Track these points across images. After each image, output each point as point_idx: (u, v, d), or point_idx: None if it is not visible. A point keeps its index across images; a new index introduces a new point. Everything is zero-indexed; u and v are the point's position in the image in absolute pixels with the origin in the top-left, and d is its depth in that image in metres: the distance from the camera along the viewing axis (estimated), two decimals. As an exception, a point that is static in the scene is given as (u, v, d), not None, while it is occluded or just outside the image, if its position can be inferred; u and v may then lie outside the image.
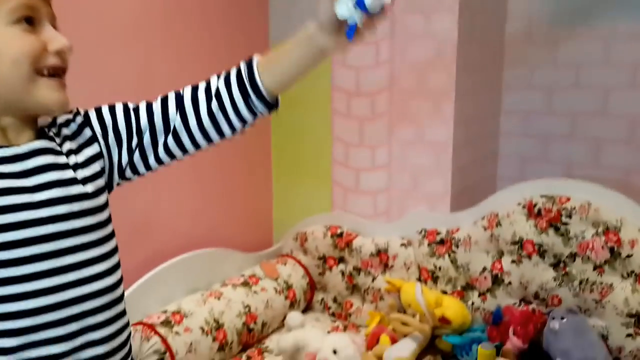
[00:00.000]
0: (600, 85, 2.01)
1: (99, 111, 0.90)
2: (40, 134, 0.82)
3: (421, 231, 1.89)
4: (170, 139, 0.91)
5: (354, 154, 2.05)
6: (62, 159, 0.82)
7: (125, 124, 0.90)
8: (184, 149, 0.92)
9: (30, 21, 0.76)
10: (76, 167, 0.83)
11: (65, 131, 0.86)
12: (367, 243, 1.97)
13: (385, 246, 1.93)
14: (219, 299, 1.73)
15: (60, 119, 0.86)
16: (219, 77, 0.90)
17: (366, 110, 1.99)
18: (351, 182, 2.07)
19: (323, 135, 2.11)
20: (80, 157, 0.85)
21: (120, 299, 0.86)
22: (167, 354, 1.50)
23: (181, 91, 0.91)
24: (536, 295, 1.69)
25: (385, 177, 2.01)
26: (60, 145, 0.83)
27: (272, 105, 0.90)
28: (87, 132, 0.88)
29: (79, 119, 0.88)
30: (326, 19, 0.82)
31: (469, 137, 2.00)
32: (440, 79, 1.87)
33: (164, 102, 0.91)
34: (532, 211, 1.68)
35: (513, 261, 1.72)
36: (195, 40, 1.85)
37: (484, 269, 1.76)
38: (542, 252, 1.67)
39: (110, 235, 0.86)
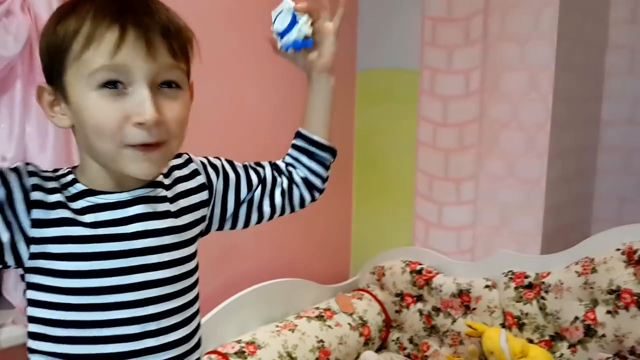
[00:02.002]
0: None
1: (210, 161, 0.99)
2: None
3: (508, 273, 1.91)
4: (277, 196, 1.03)
5: (438, 187, 2.11)
6: (163, 206, 0.87)
7: (236, 177, 0.99)
8: (282, 209, 1.05)
9: (115, 85, 0.73)
10: (179, 212, 0.89)
11: (178, 173, 0.93)
12: (448, 282, 2.01)
13: (467, 287, 1.97)
14: (293, 331, 1.83)
15: (173, 161, 0.93)
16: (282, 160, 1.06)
17: (453, 142, 2.05)
18: (434, 217, 2.13)
19: (406, 167, 2.19)
20: (187, 202, 0.91)
21: (195, 347, 0.92)
22: (241, 384, 1.60)
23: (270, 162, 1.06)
24: (632, 351, 1.67)
25: (470, 213, 2.06)
26: (169, 187, 0.89)
27: (333, 150, 1.05)
28: (200, 179, 0.95)
29: (192, 165, 0.95)
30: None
31: (564, 173, 2.02)
32: (534, 110, 1.91)
33: (273, 164, 1.05)
34: (632, 258, 1.68)
35: (608, 312, 1.71)
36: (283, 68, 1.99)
37: (576, 318, 1.76)
38: (641, 304, 1.66)
39: (194, 285, 0.91)
